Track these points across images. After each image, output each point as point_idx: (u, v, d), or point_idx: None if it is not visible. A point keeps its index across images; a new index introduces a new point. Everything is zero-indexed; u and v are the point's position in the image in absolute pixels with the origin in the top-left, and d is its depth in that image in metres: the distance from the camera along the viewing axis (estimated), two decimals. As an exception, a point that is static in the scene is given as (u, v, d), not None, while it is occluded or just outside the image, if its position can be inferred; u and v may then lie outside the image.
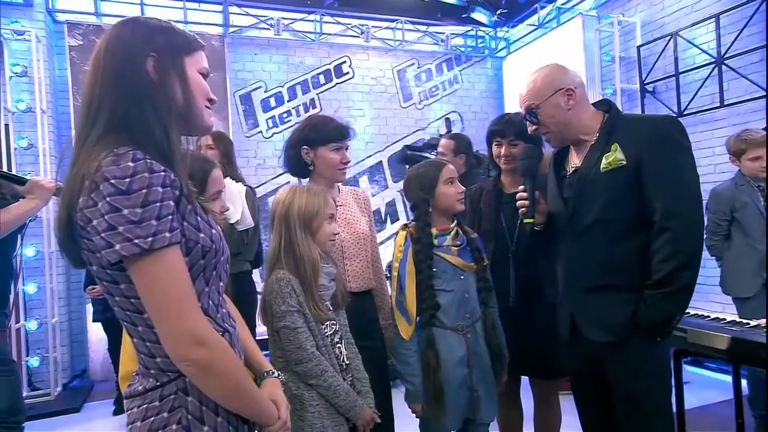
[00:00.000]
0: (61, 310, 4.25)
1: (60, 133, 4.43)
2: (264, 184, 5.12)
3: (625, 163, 1.49)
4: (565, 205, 1.63)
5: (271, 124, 5.35)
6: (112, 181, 0.80)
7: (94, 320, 3.80)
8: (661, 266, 1.43)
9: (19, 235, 2.91)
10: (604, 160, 1.53)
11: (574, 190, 1.60)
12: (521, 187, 1.74)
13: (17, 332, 3.88)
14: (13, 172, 3.64)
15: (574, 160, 1.65)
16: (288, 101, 5.41)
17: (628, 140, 1.51)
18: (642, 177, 1.48)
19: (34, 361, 4.01)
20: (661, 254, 1.43)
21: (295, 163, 1.84)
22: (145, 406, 0.90)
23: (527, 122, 1.67)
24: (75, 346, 4.49)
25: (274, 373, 1.13)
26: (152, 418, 0.89)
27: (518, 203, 1.74)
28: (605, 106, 1.65)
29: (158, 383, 0.90)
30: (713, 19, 3.94)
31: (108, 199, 0.80)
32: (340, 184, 1.92)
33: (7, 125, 3.99)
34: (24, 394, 3.48)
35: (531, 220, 1.72)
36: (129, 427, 0.92)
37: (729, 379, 2.22)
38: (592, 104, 1.66)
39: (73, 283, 4.49)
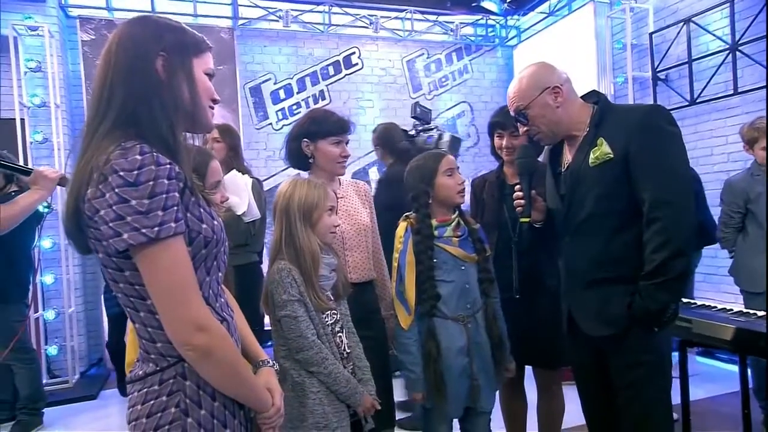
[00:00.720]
0: (78, 301, 4.36)
1: (74, 126, 4.51)
2: (274, 176, 5.15)
3: (612, 156, 1.49)
4: (562, 202, 1.64)
5: (280, 116, 5.38)
6: (121, 173, 0.83)
7: (108, 316, 3.91)
8: (654, 256, 1.43)
9: (37, 228, 3.00)
10: (591, 155, 1.53)
11: (568, 186, 1.61)
12: (518, 186, 1.75)
13: (36, 322, 4.00)
14: (23, 164, 3.72)
15: (568, 156, 1.66)
16: (297, 93, 5.43)
17: (616, 132, 1.51)
18: (630, 168, 1.47)
19: (52, 350, 4.13)
20: (653, 244, 1.43)
21: (296, 156, 1.86)
22: (145, 390, 0.94)
23: (518, 123, 1.67)
24: (91, 336, 4.59)
25: (269, 362, 1.16)
26: (152, 402, 0.93)
27: (515, 202, 1.75)
28: (594, 97, 1.64)
29: (158, 368, 0.94)
30: (727, 5, 3.86)
31: (116, 190, 0.83)
32: (341, 177, 1.94)
33: (22, 120, 4.07)
34: (43, 381, 3.59)
35: (527, 219, 1.74)
36: (130, 411, 0.96)
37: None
38: (581, 97, 1.66)
39: (88, 274, 4.59)
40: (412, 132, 3.45)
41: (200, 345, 0.88)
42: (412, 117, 3.39)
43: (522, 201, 1.73)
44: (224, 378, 0.95)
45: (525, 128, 1.65)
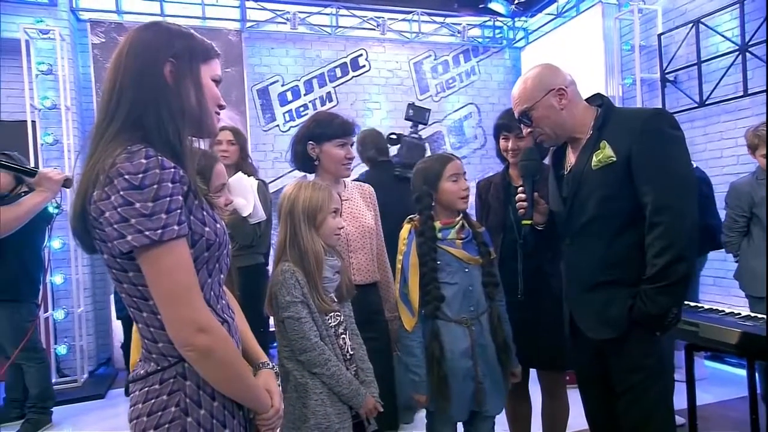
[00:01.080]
0: (87, 301, 4.40)
1: (84, 129, 4.55)
2: (281, 177, 5.17)
3: (615, 159, 1.49)
4: (564, 204, 1.64)
5: (288, 118, 5.40)
6: (126, 176, 0.85)
7: (118, 318, 3.95)
8: (655, 261, 1.42)
9: (47, 228, 3.04)
10: (594, 158, 1.53)
11: (570, 189, 1.61)
12: (520, 188, 1.76)
13: (45, 321, 4.04)
14: (34, 165, 3.76)
15: (571, 159, 1.66)
16: (305, 95, 5.44)
17: (619, 135, 1.51)
18: (632, 171, 1.47)
19: (61, 349, 4.17)
20: (654, 249, 1.43)
21: (302, 158, 1.88)
22: (146, 389, 0.96)
23: (521, 125, 1.67)
24: (100, 335, 4.63)
25: (269, 364, 1.17)
26: (153, 401, 0.94)
27: (517, 204, 1.76)
28: (598, 100, 1.64)
29: (159, 367, 0.95)
30: (737, 6, 3.82)
31: (121, 192, 0.85)
32: (346, 179, 1.95)
33: (33, 122, 4.12)
34: (52, 380, 3.63)
35: (529, 222, 1.75)
36: (131, 409, 0.97)
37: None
38: (585, 99, 1.66)
39: (97, 275, 4.63)
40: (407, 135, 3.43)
41: (201, 346, 0.89)
42: (406, 119, 3.36)
43: (524, 203, 1.73)
44: (224, 378, 0.96)
45: (529, 129, 1.65)
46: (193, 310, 0.89)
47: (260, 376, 1.12)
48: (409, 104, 3.42)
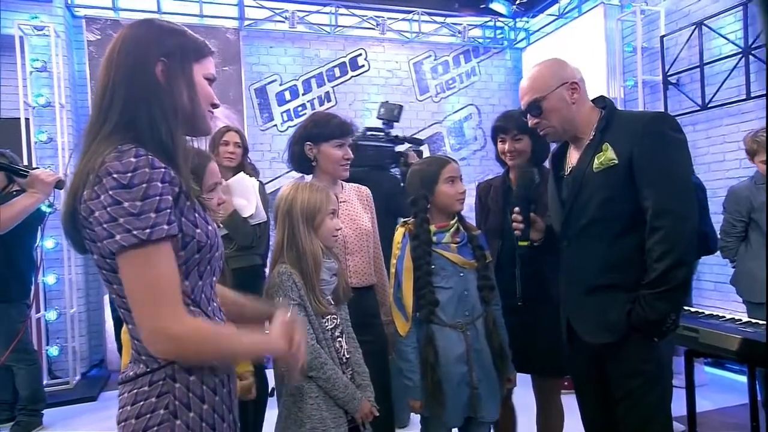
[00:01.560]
0: (80, 301, 4.35)
1: (79, 126, 4.51)
2: (278, 177, 5.14)
3: (617, 162, 1.48)
4: (563, 206, 1.62)
5: (285, 118, 5.37)
6: (115, 175, 0.84)
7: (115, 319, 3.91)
8: (655, 266, 1.42)
9: (39, 228, 2.99)
10: (596, 161, 1.52)
11: (571, 190, 1.59)
12: (516, 209, 1.76)
13: (37, 322, 3.99)
14: (27, 163, 3.71)
15: (572, 160, 1.64)
16: (303, 94, 5.41)
17: (621, 137, 1.50)
18: (633, 174, 1.46)
19: (53, 351, 4.13)
20: (655, 253, 1.42)
21: (299, 159, 1.86)
22: (135, 391, 0.94)
23: (528, 116, 1.64)
24: (93, 337, 4.59)
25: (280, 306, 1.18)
26: (141, 403, 0.93)
27: (513, 224, 1.76)
28: (601, 103, 1.63)
29: (148, 369, 0.94)
30: (740, 8, 3.80)
31: (110, 192, 0.84)
32: (343, 180, 1.92)
33: (27, 119, 4.08)
34: (44, 382, 3.58)
35: (526, 243, 1.75)
36: (120, 411, 0.96)
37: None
38: (591, 101, 1.64)
39: (90, 275, 4.58)
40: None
41: (169, 351, 0.89)
42: (377, 118, 3.25)
43: (520, 225, 1.74)
44: (212, 362, 0.97)
45: (535, 121, 1.61)
46: (164, 318, 0.86)
47: (275, 320, 1.08)
48: (381, 103, 3.30)
